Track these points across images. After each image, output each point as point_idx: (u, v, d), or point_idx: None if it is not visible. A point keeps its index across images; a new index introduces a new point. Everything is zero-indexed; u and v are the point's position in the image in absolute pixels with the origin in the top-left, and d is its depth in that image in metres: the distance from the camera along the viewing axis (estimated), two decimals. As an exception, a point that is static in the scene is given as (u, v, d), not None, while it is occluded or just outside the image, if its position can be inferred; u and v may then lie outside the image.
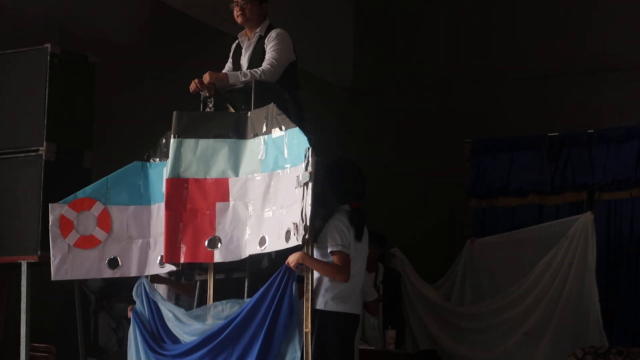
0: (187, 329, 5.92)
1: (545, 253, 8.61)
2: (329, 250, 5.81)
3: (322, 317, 5.76)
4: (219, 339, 5.70)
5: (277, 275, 5.59)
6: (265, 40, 6.44)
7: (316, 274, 5.76)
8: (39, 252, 6.34)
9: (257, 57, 6.45)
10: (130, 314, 6.18)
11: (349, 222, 5.90)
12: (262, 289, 5.63)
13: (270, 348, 5.56)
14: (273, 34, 6.45)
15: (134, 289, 6.22)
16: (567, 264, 8.46)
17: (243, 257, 5.86)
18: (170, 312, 6.03)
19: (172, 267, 6.07)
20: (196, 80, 6.30)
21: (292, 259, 5.56)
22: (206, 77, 6.27)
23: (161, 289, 6.50)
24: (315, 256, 5.70)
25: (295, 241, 5.45)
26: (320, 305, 5.79)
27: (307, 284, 5.55)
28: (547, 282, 8.50)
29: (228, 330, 5.67)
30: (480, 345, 8.68)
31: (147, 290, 6.16)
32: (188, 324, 5.91)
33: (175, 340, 5.97)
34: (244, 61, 6.56)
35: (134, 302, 6.21)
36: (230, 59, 6.73)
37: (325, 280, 5.81)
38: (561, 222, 8.81)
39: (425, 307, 8.96)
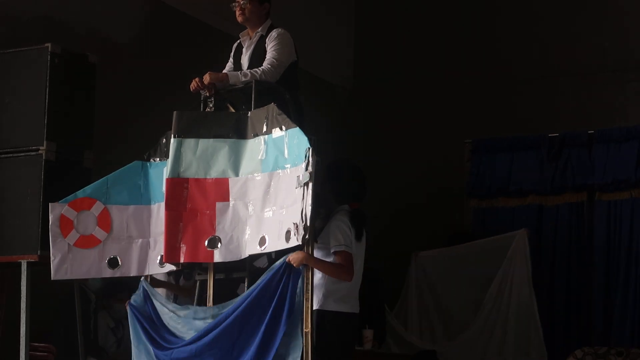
0: (184, 324, 5.92)
1: (484, 269, 8.81)
2: (332, 251, 5.82)
3: (324, 317, 5.77)
4: (217, 330, 5.69)
5: (277, 270, 5.56)
6: (267, 40, 6.45)
7: (318, 275, 5.77)
8: (39, 252, 6.34)
9: (257, 56, 6.45)
10: (127, 308, 6.19)
11: (350, 222, 5.91)
12: (260, 284, 5.59)
13: (269, 345, 5.55)
14: (274, 33, 6.45)
15: (134, 293, 6.23)
16: (509, 283, 8.66)
17: (243, 257, 5.86)
18: (165, 308, 6.04)
19: (172, 267, 6.08)
20: (197, 79, 6.31)
21: (294, 258, 5.54)
22: (206, 78, 6.27)
23: (160, 291, 6.50)
24: (315, 256, 5.70)
25: (295, 241, 5.44)
26: (322, 305, 5.80)
27: (307, 284, 5.54)
28: (496, 305, 8.70)
29: (226, 323, 5.66)
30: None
31: (146, 289, 6.16)
32: (185, 319, 5.92)
33: (174, 335, 5.97)
34: (245, 60, 6.57)
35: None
36: (231, 59, 6.74)
37: (327, 280, 5.82)
38: (499, 239, 9.00)
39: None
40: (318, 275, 5.78)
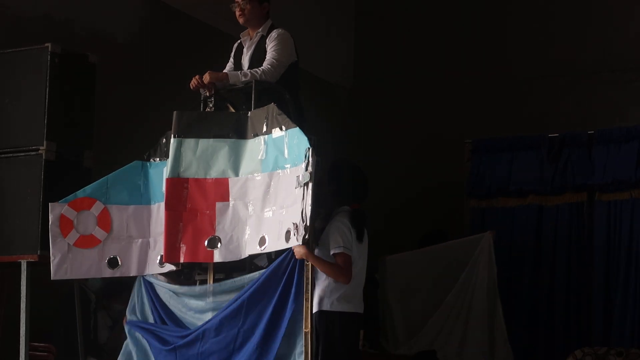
0: (188, 305, 5.96)
1: (449, 272, 8.77)
2: (331, 253, 5.82)
3: (328, 318, 5.78)
4: (222, 317, 5.71)
5: (285, 257, 5.58)
6: (267, 40, 6.45)
7: (322, 276, 5.77)
8: (38, 252, 6.33)
9: (258, 56, 6.46)
10: (125, 326, 6.19)
11: (350, 223, 5.91)
12: (267, 271, 5.63)
13: (276, 330, 5.55)
14: (274, 34, 6.46)
15: (133, 289, 6.23)
16: (472, 286, 8.64)
17: (243, 257, 5.86)
18: (170, 291, 6.05)
19: (172, 267, 6.08)
20: (197, 77, 6.31)
21: (296, 250, 5.54)
22: (206, 77, 6.27)
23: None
24: (316, 257, 5.71)
25: (295, 241, 5.46)
26: (326, 306, 5.81)
27: (307, 284, 5.54)
28: (457, 306, 8.68)
29: (231, 309, 5.68)
30: None
31: (147, 279, 6.17)
32: (189, 301, 5.94)
33: (179, 323, 5.98)
34: (245, 60, 6.57)
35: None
36: (231, 59, 6.74)
37: (330, 281, 5.83)
38: (464, 241, 8.97)
39: None
40: (323, 276, 5.79)
